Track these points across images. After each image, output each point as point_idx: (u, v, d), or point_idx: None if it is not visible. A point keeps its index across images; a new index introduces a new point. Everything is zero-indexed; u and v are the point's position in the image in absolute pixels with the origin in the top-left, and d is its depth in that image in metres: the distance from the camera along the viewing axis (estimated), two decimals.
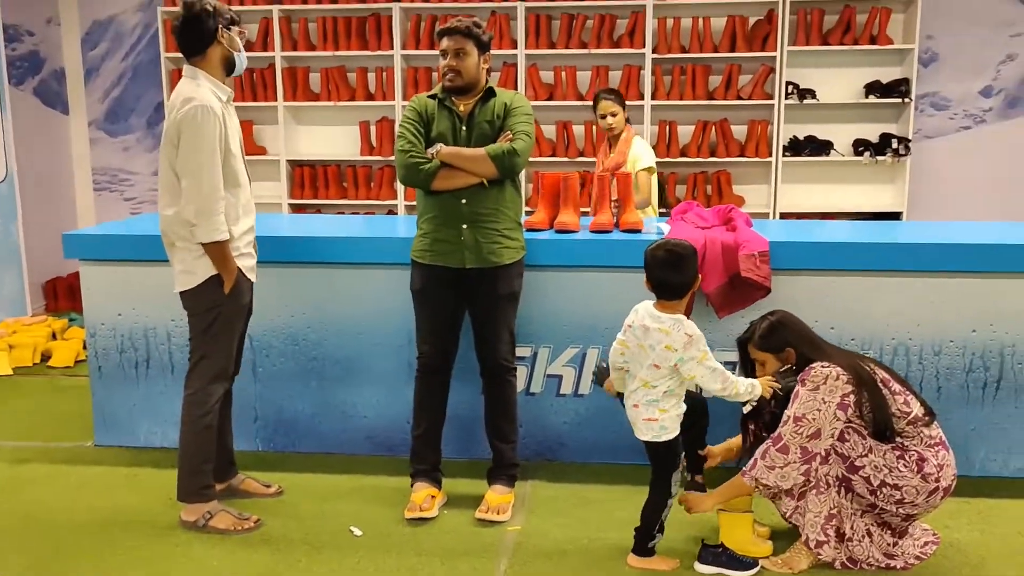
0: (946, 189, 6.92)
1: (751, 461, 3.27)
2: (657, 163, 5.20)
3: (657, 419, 3.20)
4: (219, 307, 3.51)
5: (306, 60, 7.20)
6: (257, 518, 3.63)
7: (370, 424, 4.27)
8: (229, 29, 3.49)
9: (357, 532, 3.57)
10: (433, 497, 3.74)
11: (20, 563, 3.34)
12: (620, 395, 3.41)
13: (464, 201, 3.59)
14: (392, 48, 6.96)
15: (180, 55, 3.56)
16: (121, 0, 7.40)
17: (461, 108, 3.66)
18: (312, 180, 7.21)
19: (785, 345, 3.35)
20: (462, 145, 3.62)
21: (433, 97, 3.71)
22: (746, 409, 3.48)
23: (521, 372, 4.12)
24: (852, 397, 3.17)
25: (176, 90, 3.46)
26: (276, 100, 7.12)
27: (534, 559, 3.36)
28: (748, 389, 3.22)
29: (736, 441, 3.69)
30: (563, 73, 6.92)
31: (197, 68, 3.46)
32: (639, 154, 5.05)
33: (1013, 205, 6.83)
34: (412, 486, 3.80)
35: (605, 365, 3.52)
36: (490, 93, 3.69)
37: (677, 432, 3.24)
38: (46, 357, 5.89)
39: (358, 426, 4.28)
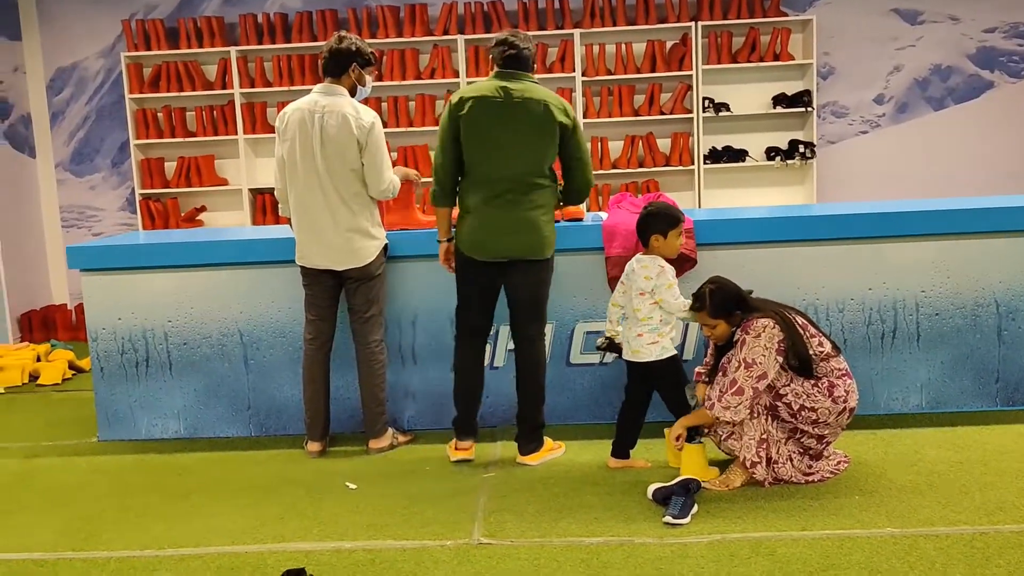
0: (849, 187, 7.72)
1: (712, 402, 3.82)
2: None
3: (658, 341, 4.03)
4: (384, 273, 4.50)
5: (263, 96, 7.75)
6: (413, 434, 4.69)
7: (353, 404, 4.75)
8: (363, 68, 4.37)
9: (352, 486, 4.08)
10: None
11: (53, 528, 3.76)
12: (610, 345, 4.22)
13: None
14: None
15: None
16: (84, 47, 7.87)
17: None
18: (273, 206, 7.71)
19: (733, 309, 3.91)
20: None
21: None
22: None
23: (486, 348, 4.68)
24: (784, 343, 3.79)
25: (312, 100, 4.29)
26: (236, 134, 7.65)
27: (509, 494, 3.90)
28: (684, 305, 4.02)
29: (701, 392, 4.15)
30: None
31: (335, 86, 4.32)
32: None
33: (909, 197, 7.64)
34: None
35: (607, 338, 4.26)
36: None
37: (674, 353, 4.07)
38: (34, 378, 6.26)
39: (344, 406, 4.77)
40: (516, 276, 4.22)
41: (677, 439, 3.93)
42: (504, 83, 4.09)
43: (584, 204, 5.66)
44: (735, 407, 3.78)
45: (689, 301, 3.98)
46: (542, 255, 4.19)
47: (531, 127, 4.06)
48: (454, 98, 4.15)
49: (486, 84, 4.13)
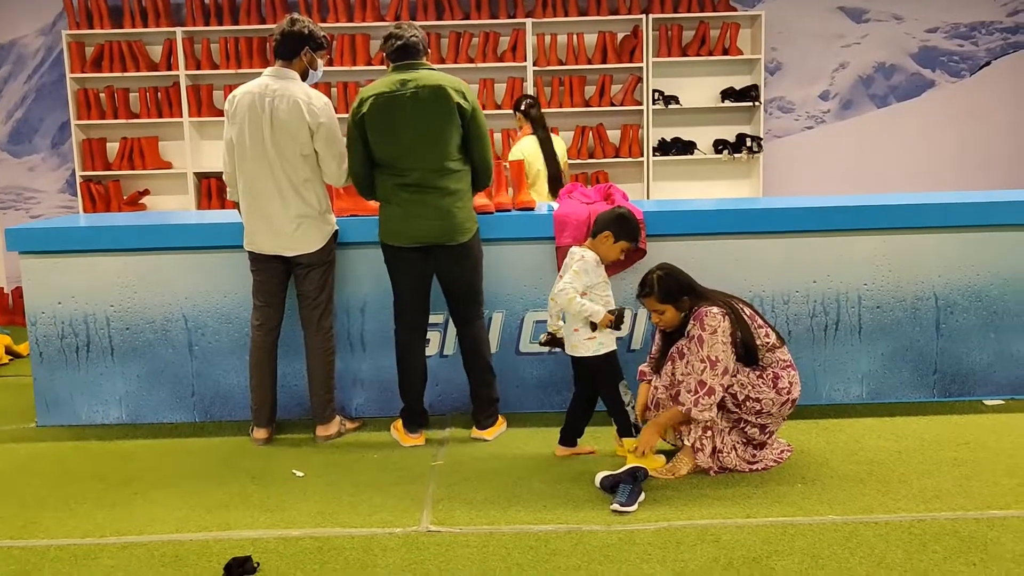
0: (795, 180, 7.85)
1: (688, 407, 3.79)
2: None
3: (595, 337, 3.96)
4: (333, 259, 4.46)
5: (209, 78, 7.62)
6: (361, 421, 4.67)
7: (301, 391, 4.71)
8: (315, 52, 4.31)
9: (299, 473, 4.04)
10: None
11: None
12: (552, 340, 4.14)
13: None
14: None
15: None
16: (22, 25, 7.66)
17: None
18: (219, 191, 7.59)
19: (681, 295, 3.94)
20: None
21: None
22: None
23: (435, 336, 4.68)
24: (735, 335, 3.83)
25: (262, 83, 4.22)
26: (181, 116, 7.51)
27: (458, 482, 3.89)
28: (584, 311, 3.90)
29: (643, 393, 4.18)
30: None
31: (286, 69, 4.26)
32: (514, 150, 5.97)
33: (851, 192, 7.78)
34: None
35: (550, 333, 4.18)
36: None
37: (613, 348, 4.00)
38: None
39: (291, 393, 4.73)
40: (442, 264, 4.27)
41: (635, 448, 3.92)
42: (400, 75, 4.17)
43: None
44: (709, 407, 3.81)
45: (574, 295, 3.90)
46: (457, 240, 4.22)
47: (429, 113, 4.10)
48: (355, 100, 4.21)
49: (383, 80, 4.20)
